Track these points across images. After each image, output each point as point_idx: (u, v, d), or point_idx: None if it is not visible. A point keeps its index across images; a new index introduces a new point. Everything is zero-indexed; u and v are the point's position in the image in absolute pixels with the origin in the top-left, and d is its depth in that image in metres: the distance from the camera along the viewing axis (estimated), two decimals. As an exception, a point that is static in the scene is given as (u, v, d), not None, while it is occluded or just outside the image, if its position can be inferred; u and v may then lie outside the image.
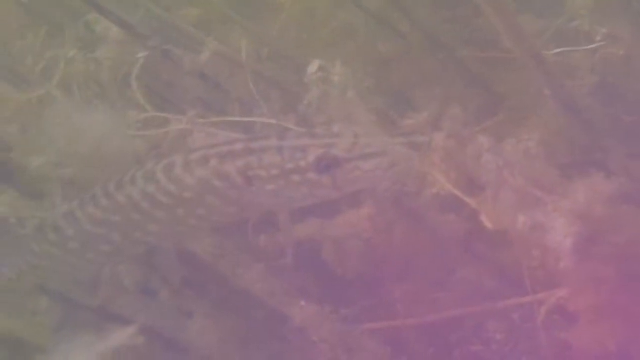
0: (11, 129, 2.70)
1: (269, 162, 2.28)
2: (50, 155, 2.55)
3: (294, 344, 2.77)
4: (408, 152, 2.21)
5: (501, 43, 2.73)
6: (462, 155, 2.38)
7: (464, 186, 2.33)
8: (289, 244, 2.51)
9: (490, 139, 2.29)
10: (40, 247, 2.53)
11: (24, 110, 2.74)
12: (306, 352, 2.72)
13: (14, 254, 2.55)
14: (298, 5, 3.44)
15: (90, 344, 2.00)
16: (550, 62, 2.65)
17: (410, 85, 2.33)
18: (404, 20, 3.46)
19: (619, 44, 2.99)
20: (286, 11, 3.42)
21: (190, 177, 2.33)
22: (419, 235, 2.80)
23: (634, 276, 2.26)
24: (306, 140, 2.28)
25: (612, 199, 2.17)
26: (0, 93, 2.80)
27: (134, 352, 2.33)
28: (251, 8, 3.54)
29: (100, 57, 2.88)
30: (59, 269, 2.59)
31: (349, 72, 2.54)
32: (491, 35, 2.93)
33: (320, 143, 2.26)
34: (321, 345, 2.64)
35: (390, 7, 3.40)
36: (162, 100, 2.88)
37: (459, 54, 3.50)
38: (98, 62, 2.89)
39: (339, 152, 2.24)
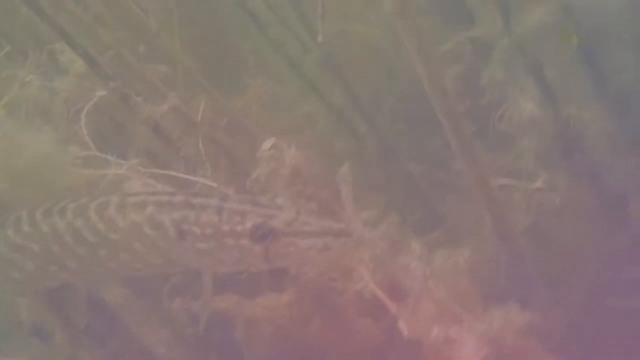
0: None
1: (206, 220, 2.23)
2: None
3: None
4: (343, 240, 2.20)
5: (452, 166, 2.84)
6: (392, 259, 2.40)
7: (388, 289, 2.33)
8: (205, 309, 2.43)
9: (422, 247, 2.32)
10: None
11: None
12: None
13: None
14: (265, 87, 3.52)
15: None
16: (494, 192, 2.74)
17: (356, 184, 2.36)
18: (363, 123, 3.58)
19: (555, 192, 3.12)
20: (253, 90, 3.49)
21: (122, 219, 2.27)
22: (334, 332, 2.77)
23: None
24: (247, 206, 2.25)
25: (523, 331, 2.20)
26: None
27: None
28: (221, 79, 3.60)
29: (58, 87, 2.85)
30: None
31: (302, 158, 2.57)
32: (443, 156, 3.04)
33: (261, 212, 2.23)
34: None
35: (352, 107, 3.52)
36: (108, 142, 2.84)
37: (408, 167, 3.61)
38: (54, 91, 2.86)
39: (277, 224, 2.21)
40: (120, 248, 2.30)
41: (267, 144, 2.56)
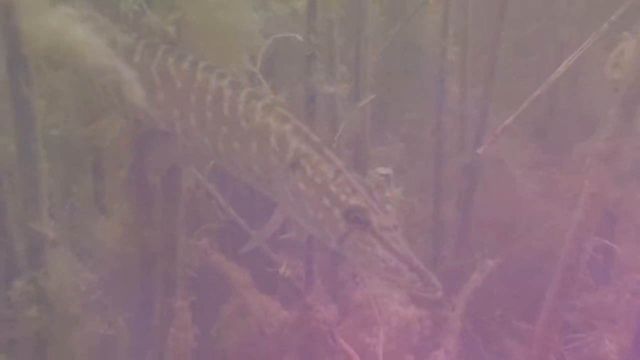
0: None
1: (323, 170, 2.31)
2: None
3: None
4: (416, 282, 2.25)
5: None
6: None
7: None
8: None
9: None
10: None
11: None
12: None
13: None
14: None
15: None
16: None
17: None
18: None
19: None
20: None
21: (261, 116, 2.38)
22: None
23: None
24: (361, 188, 2.31)
25: None
26: None
27: None
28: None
29: None
30: None
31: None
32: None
33: (369, 201, 2.30)
34: None
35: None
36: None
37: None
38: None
39: (375, 221, 2.27)
40: (238, 136, 2.38)
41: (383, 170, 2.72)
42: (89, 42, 2.00)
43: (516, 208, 4.32)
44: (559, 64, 3.51)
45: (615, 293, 3.43)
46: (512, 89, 4.26)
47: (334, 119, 3.40)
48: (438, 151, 4.11)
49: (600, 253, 3.63)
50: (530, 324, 3.56)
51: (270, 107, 2.39)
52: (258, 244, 2.73)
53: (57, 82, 2.69)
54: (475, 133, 3.95)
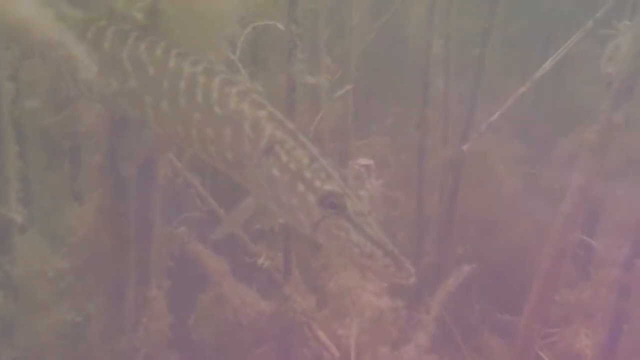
0: None
1: (297, 156, 2.30)
2: None
3: None
4: (390, 266, 2.24)
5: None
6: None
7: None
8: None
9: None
10: None
11: None
12: None
13: None
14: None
15: None
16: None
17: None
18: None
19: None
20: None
21: (235, 102, 2.36)
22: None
23: None
24: (335, 173, 2.31)
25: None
26: None
27: None
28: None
29: None
30: None
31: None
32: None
33: (343, 186, 2.29)
34: None
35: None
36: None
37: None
38: None
39: (350, 206, 2.27)
40: (211, 122, 2.35)
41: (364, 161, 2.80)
42: (36, 16, 1.96)
43: (500, 203, 4.31)
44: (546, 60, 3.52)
45: (593, 289, 3.43)
46: (499, 84, 4.25)
47: (315, 110, 3.37)
48: (422, 145, 4.10)
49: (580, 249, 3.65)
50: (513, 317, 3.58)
51: (244, 94, 2.38)
52: (229, 230, 2.70)
53: (34, 66, 2.66)
54: (461, 128, 3.93)
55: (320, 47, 3.33)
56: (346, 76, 3.64)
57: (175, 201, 3.41)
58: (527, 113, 4.66)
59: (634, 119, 2.87)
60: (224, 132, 2.36)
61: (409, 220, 4.19)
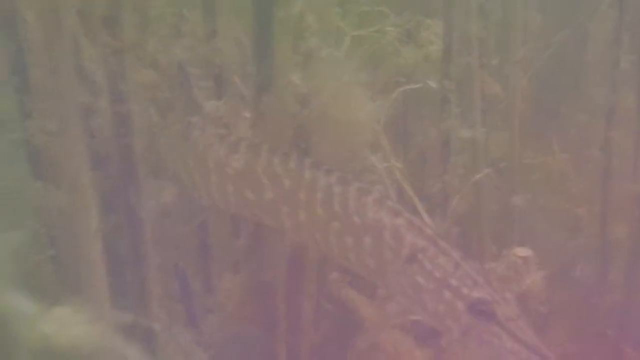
0: None
1: (441, 264, 2.28)
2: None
3: None
4: None
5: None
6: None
7: None
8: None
9: None
10: None
11: None
12: None
13: None
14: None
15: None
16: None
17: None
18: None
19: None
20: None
21: (373, 211, 2.37)
22: None
23: None
24: (481, 278, 2.28)
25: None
26: None
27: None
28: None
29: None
30: None
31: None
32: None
33: (490, 292, 2.26)
34: None
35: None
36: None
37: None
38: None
39: (500, 312, 2.22)
40: (350, 231, 2.39)
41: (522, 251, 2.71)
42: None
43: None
44: None
45: None
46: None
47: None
48: (607, 169, 3.69)
49: None
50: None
51: (380, 202, 2.37)
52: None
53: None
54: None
55: (474, 97, 3.04)
56: (511, 109, 3.33)
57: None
58: None
59: None
60: (363, 240, 2.37)
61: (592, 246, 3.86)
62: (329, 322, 3.29)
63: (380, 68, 2.83)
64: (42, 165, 2.62)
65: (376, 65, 2.83)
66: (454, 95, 2.83)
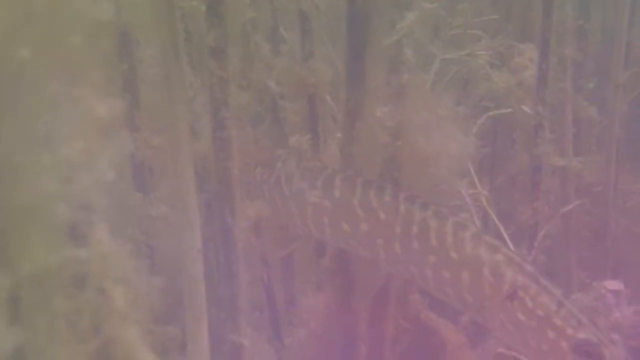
0: None
1: (543, 302, 2.26)
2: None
3: None
4: None
5: None
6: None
7: None
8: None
9: None
10: None
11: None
12: None
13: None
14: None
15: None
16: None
17: None
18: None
19: None
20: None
21: (471, 247, 2.37)
22: None
23: None
24: (585, 318, 2.24)
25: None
26: None
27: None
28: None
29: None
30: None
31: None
32: None
33: (596, 333, 2.22)
34: None
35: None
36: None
37: None
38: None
39: (608, 355, 2.19)
40: (447, 266, 2.40)
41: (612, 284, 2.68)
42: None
43: None
44: None
45: None
46: None
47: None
48: None
49: None
50: None
51: (478, 237, 2.37)
52: None
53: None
54: None
55: (569, 126, 2.98)
56: (607, 134, 3.24)
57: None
58: None
59: None
60: (461, 275, 2.37)
61: None
62: (409, 343, 3.28)
63: (469, 92, 2.81)
64: (144, 178, 2.77)
65: (465, 89, 2.82)
66: (546, 121, 2.78)
